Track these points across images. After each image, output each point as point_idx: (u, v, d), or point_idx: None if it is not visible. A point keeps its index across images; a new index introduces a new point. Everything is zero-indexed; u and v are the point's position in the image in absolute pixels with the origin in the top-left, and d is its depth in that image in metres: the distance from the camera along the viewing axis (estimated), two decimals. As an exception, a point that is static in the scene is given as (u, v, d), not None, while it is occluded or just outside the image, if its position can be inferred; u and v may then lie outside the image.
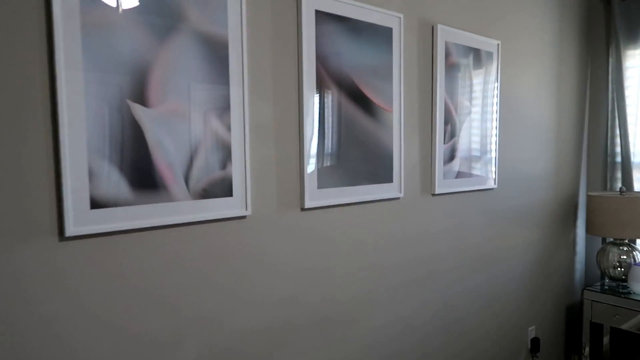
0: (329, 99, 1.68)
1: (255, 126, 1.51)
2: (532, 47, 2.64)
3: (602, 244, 3.06)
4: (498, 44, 2.35)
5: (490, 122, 2.36)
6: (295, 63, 1.60)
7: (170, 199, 1.32)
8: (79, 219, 1.17)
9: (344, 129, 1.74)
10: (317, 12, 1.63)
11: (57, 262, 1.16)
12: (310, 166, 1.64)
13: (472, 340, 2.40)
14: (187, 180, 1.35)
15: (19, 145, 1.09)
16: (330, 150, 1.70)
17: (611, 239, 2.87)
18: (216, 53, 1.40)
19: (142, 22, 1.25)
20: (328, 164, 1.70)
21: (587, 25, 3.08)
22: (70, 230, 1.15)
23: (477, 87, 2.27)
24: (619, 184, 2.99)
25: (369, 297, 1.90)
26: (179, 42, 1.32)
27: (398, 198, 1.97)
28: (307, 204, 1.63)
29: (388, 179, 1.90)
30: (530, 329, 2.79)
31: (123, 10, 1.22)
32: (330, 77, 1.68)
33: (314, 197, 1.66)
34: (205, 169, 1.39)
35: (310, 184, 1.64)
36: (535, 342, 2.79)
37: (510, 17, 2.48)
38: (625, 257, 2.75)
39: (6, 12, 1.07)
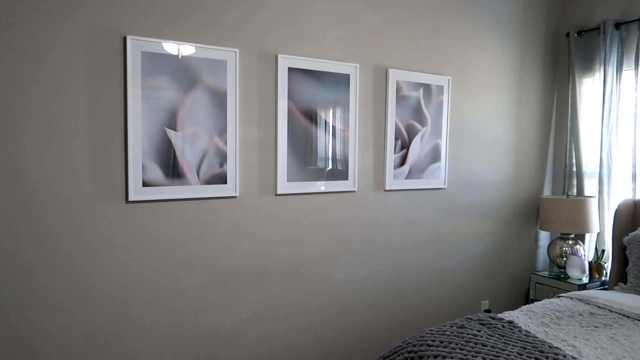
0: (296, 125, 2.58)
1: (243, 141, 2.44)
2: (487, 79, 3.35)
3: (551, 238, 3.67)
4: (449, 79, 3.11)
5: (441, 137, 3.13)
6: (273, 101, 2.51)
7: (187, 183, 2.29)
8: (136, 192, 2.17)
9: (307, 143, 2.63)
10: (290, 69, 2.54)
11: (124, 214, 2.17)
12: (282, 166, 2.55)
13: (423, 304, 3.18)
14: (198, 173, 2.31)
15: (108, 148, 2.11)
16: (296, 156, 2.59)
17: (558, 234, 3.50)
18: (219, 98, 2.35)
19: (175, 83, 2.23)
20: (295, 165, 2.59)
21: (553, 58, 3.70)
22: (131, 197, 2.16)
23: (428, 112, 3.05)
24: (574, 190, 3.58)
25: (328, 259, 2.77)
26: (196, 93, 2.29)
27: (353, 191, 2.82)
28: (279, 192, 2.55)
29: (344, 177, 2.77)
30: (483, 302, 3.49)
31: (164, 76, 2.20)
32: (298, 109, 2.58)
33: (283, 187, 2.57)
34: (209, 167, 2.34)
35: (282, 178, 2.55)
36: (487, 312, 3.48)
37: (464, 56, 3.22)
38: (567, 249, 3.38)
39: (102, 76, 2.09)
